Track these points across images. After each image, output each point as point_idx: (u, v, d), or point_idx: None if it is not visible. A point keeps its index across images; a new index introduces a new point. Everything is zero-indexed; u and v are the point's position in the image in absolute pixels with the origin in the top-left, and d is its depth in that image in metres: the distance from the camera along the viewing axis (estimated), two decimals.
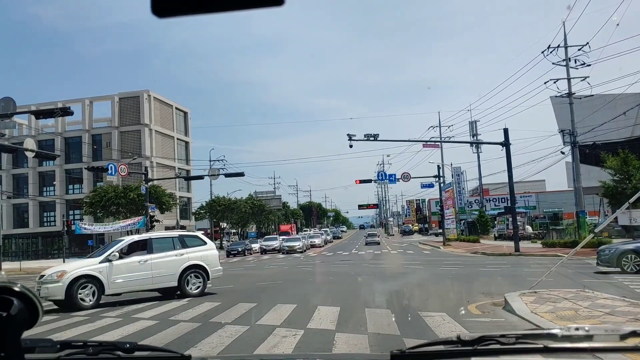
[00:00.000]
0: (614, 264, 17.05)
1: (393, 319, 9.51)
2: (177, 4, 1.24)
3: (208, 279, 15.22)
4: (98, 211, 44.51)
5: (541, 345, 1.73)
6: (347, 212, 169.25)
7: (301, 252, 45.00)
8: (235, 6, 1.24)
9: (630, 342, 1.71)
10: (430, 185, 56.93)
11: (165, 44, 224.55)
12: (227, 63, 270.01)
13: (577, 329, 1.75)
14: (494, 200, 70.02)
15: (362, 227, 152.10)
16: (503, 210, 58.29)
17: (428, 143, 49.63)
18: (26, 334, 1.69)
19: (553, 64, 32.80)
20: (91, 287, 13.68)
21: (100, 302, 13.87)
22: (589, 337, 1.72)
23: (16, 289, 1.62)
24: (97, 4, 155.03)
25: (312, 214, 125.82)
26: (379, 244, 54.73)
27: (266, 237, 60.66)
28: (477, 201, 63.33)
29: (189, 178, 62.10)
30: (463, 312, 10.30)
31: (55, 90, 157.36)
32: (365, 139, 33.84)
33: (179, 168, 67.63)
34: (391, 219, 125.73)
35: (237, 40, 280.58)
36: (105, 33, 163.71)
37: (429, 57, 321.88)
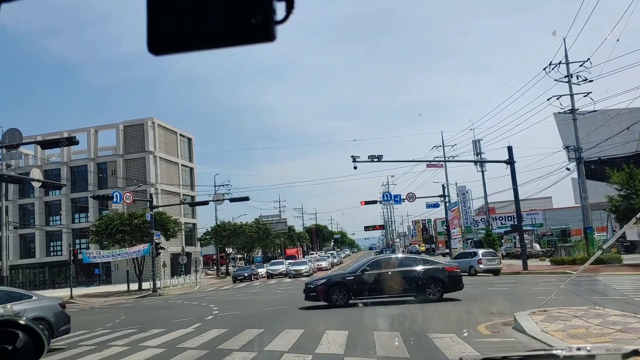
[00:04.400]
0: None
1: (402, 342, 9.43)
2: (171, 43, 1.29)
3: None
4: (104, 239, 44.55)
5: None
6: (354, 234, 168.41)
7: (308, 275, 44.74)
8: (227, 43, 1.28)
9: None
10: (436, 205, 56.76)
11: (171, 72, 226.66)
12: (233, 89, 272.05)
13: (578, 348, 1.74)
14: (501, 218, 69.72)
15: (371, 248, 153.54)
16: (510, 229, 57.94)
17: (432, 163, 49.65)
18: None
19: (555, 80, 32.92)
20: None
21: (105, 331, 13.81)
22: (591, 357, 1.72)
23: (22, 322, 1.64)
24: (106, 35, 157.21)
25: (318, 237, 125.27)
26: None
27: (272, 261, 60.33)
28: (483, 220, 63.04)
29: (193, 204, 62.07)
30: (472, 332, 10.20)
31: (62, 120, 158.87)
32: (370, 160, 33.93)
33: (183, 194, 67.71)
34: (397, 239, 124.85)
35: (243, 67, 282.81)
36: (113, 63, 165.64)
37: (432, 78, 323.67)
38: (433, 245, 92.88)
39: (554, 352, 1.78)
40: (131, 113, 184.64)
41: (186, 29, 1.27)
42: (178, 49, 1.31)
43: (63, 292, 41.97)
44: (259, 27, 1.24)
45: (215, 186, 63.80)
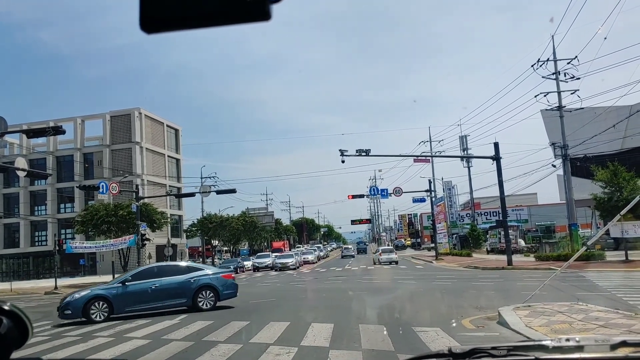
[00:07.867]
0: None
1: (387, 335, 9.48)
2: (164, 20, 1.26)
3: None
4: (89, 230, 44.19)
5: (532, 357, 1.73)
6: (340, 228, 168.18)
7: (294, 268, 44.80)
8: (221, 22, 1.25)
9: (621, 352, 1.72)
10: (422, 200, 56.97)
11: (162, 64, 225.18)
12: (224, 82, 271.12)
13: (567, 339, 1.75)
14: (486, 214, 70.21)
15: (358, 242, 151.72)
16: (495, 224, 58.39)
17: (419, 158, 49.79)
18: (17, 354, 1.67)
19: (543, 77, 33.10)
20: None
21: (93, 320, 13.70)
22: (579, 348, 1.73)
23: (5, 307, 1.60)
24: (99, 28, 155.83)
25: (305, 230, 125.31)
26: (353, 257, 67.46)
27: (259, 254, 60.31)
28: (468, 215, 63.48)
29: (180, 195, 61.77)
30: (457, 326, 10.27)
31: (49, 109, 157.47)
32: (357, 154, 33.94)
33: (170, 185, 67.37)
34: (384, 233, 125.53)
35: (234, 61, 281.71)
36: (104, 55, 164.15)
37: (421, 75, 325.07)
38: (419, 240, 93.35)
39: (544, 342, 1.79)
40: (120, 104, 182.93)
41: (180, 6, 1.23)
42: (171, 27, 1.26)
43: (47, 282, 41.62)
44: (254, 6, 1.21)
45: (202, 178, 63.46)
